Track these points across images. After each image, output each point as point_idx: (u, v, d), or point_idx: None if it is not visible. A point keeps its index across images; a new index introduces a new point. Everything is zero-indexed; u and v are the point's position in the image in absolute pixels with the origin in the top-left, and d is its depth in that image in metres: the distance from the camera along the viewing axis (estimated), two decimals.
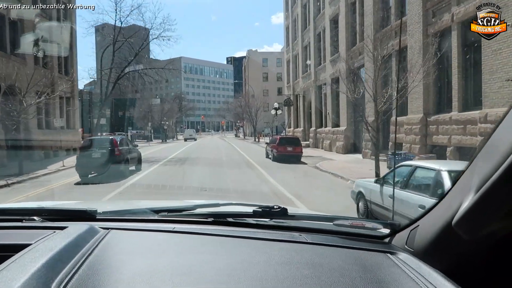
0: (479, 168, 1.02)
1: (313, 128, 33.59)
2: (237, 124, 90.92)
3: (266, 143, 26.42)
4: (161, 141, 61.47)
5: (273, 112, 36.56)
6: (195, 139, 64.13)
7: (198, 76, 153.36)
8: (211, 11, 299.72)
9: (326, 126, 30.48)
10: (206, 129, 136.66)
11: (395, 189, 5.63)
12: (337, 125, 27.44)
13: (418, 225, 1.37)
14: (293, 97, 41.24)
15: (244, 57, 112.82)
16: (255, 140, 54.75)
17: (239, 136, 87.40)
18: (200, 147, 39.83)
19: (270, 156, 23.67)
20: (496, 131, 1.01)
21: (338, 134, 26.57)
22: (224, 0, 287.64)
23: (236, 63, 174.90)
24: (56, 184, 13.92)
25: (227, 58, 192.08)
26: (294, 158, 21.76)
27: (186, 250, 1.35)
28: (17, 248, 1.20)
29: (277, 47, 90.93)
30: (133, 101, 67.77)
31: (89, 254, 1.19)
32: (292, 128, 41.67)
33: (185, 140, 63.25)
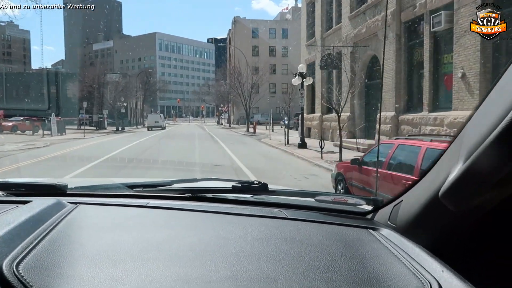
0: (469, 136, 0.94)
1: (388, 114, 15.65)
2: (219, 108, 72.36)
3: (361, 159, 7.22)
4: (115, 129, 42.75)
5: (295, 82, 18.42)
6: (163, 128, 45.25)
7: (175, 55, 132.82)
8: None
9: (437, 108, 12.75)
10: (183, 115, 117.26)
11: None
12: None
13: (402, 200, 1.28)
14: (319, 61, 23.32)
15: (226, 38, 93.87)
16: (248, 131, 36.54)
17: (222, 124, 68.86)
18: (155, 146, 21.52)
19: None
20: (491, 93, 0.91)
21: None
22: None
23: (218, 44, 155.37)
24: None
25: (208, 39, 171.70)
26: None
27: (159, 225, 1.23)
28: None
29: None
30: (72, 76, 48.46)
31: (52, 229, 1.06)
32: (318, 114, 23.80)
33: (149, 129, 44.37)
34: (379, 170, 6.05)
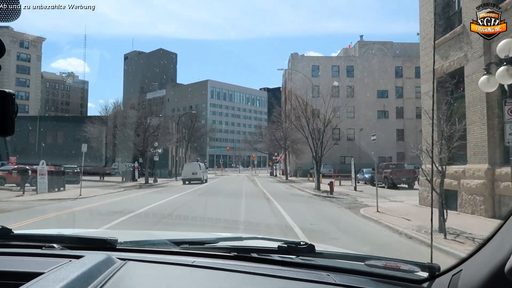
0: None
1: None
2: (273, 157, 61.44)
3: None
4: (144, 182, 32.87)
5: (487, 87, 7.08)
6: (203, 181, 34.45)
7: (227, 103, 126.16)
8: (241, 47, 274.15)
9: None
10: (233, 164, 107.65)
11: None
12: None
13: (461, 270, 1.14)
14: (473, 65, 11.74)
15: (279, 88, 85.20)
16: (318, 188, 24.73)
17: (275, 175, 57.55)
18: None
19: None
20: None
21: None
22: (253, 40, 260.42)
23: (270, 94, 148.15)
24: None
25: (260, 89, 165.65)
26: None
27: (203, 286, 1.24)
28: (30, 276, 1.08)
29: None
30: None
31: (101, 287, 1.07)
32: (481, 165, 11.81)
33: (184, 182, 33.84)
34: None
